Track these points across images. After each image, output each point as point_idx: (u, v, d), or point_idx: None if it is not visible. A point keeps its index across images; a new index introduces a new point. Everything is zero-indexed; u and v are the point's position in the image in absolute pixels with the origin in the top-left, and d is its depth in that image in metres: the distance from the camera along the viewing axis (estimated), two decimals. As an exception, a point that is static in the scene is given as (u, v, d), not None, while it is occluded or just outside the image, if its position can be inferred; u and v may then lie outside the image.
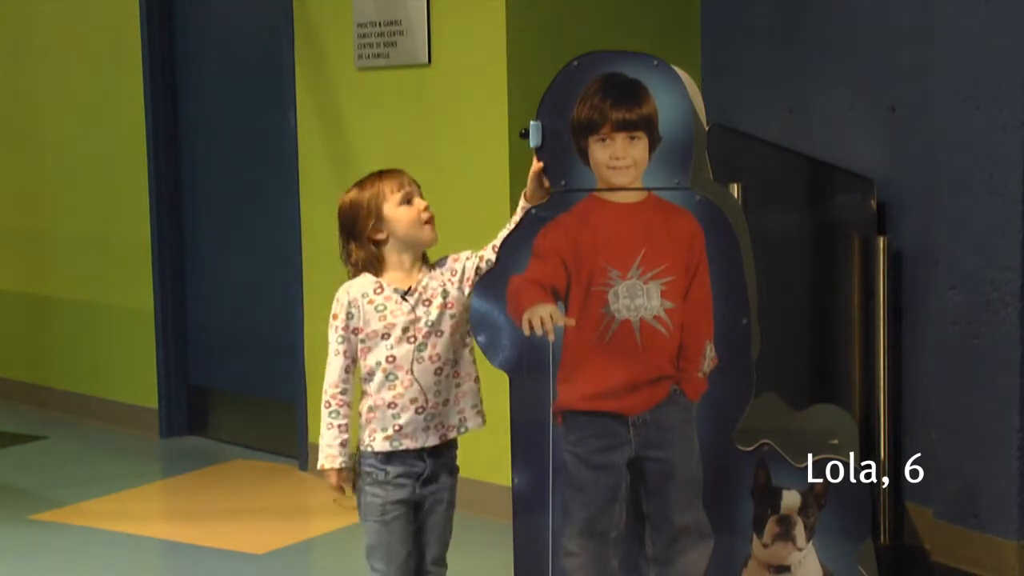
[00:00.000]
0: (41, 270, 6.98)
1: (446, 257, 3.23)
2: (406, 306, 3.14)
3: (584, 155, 3.12)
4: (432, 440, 3.17)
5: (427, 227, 3.17)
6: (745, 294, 3.15)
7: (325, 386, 3.18)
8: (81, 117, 6.62)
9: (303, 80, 5.45)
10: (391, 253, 3.18)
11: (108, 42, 6.43)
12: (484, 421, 3.23)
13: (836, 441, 3.41)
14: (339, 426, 3.16)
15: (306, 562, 4.69)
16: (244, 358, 6.11)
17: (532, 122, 3.13)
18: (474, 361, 3.22)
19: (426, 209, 3.18)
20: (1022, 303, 3.92)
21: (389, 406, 3.14)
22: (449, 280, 3.18)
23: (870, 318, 4.30)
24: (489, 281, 3.15)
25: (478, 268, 3.18)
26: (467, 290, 3.18)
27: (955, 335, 4.10)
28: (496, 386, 3.27)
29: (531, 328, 3.12)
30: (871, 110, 4.41)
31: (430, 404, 3.15)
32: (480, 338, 3.16)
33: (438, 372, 3.15)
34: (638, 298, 3.12)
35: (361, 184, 3.21)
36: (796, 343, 4.34)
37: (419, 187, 3.22)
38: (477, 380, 3.22)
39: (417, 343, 3.14)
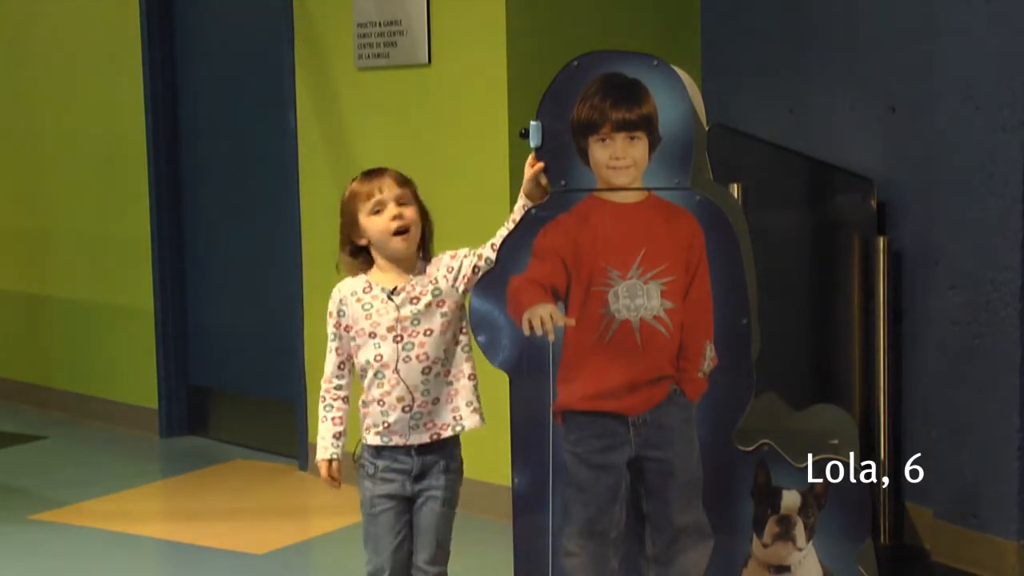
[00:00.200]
0: (41, 270, 6.97)
1: (444, 254, 3.22)
2: (391, 305, 3.15)
3: (584, 155, 3.12)
4: (422, 438, 3.17)
5: (396, 238, 3.13)
6: (745, 294, 3.15)
7: (322, 381, 3.24)
8: (81, 117, 6.62)
9: (303, 80, 5.45)
10: (377, 254, 3.19)
11: (108, 42, 6.43)
12: (483, 419, 3.21)
13: (836, 441, 3.41)
14: (332, 419, 3.22)
15: (306, 562, 4.69)
16: (244, 358, 6.11)
17: (532, 122, 3.13)
18: (470, 359, 3.20)
19: (398, 216, 3.13)
20: (1022, 303, 3.91)
21: (379, 403, 3.16)
22: (444, 277, 3.18)
23: (870, 318, 4.30)
24: (489, 281, 3.15)
25: (476, 267, 3.17)
26: (462, 288, 3.18)
27: (955, 335, 4.10)
28: (496, 386, 3.26)
29: (531, 328, 3.12)
30: (871, 110, 4.41)
31: (417, 403, 3.15)
32: (480, 338, 3.17)
33: (426, 371, 3.15)
34: (638, 298, 3.12)
35: (351, 183, 3.21)
36: (796, 343, 4.34)
37: (411, 185, 3.20)
38: (472, 378, 3.20)
39: (403, 342, 3.14)
